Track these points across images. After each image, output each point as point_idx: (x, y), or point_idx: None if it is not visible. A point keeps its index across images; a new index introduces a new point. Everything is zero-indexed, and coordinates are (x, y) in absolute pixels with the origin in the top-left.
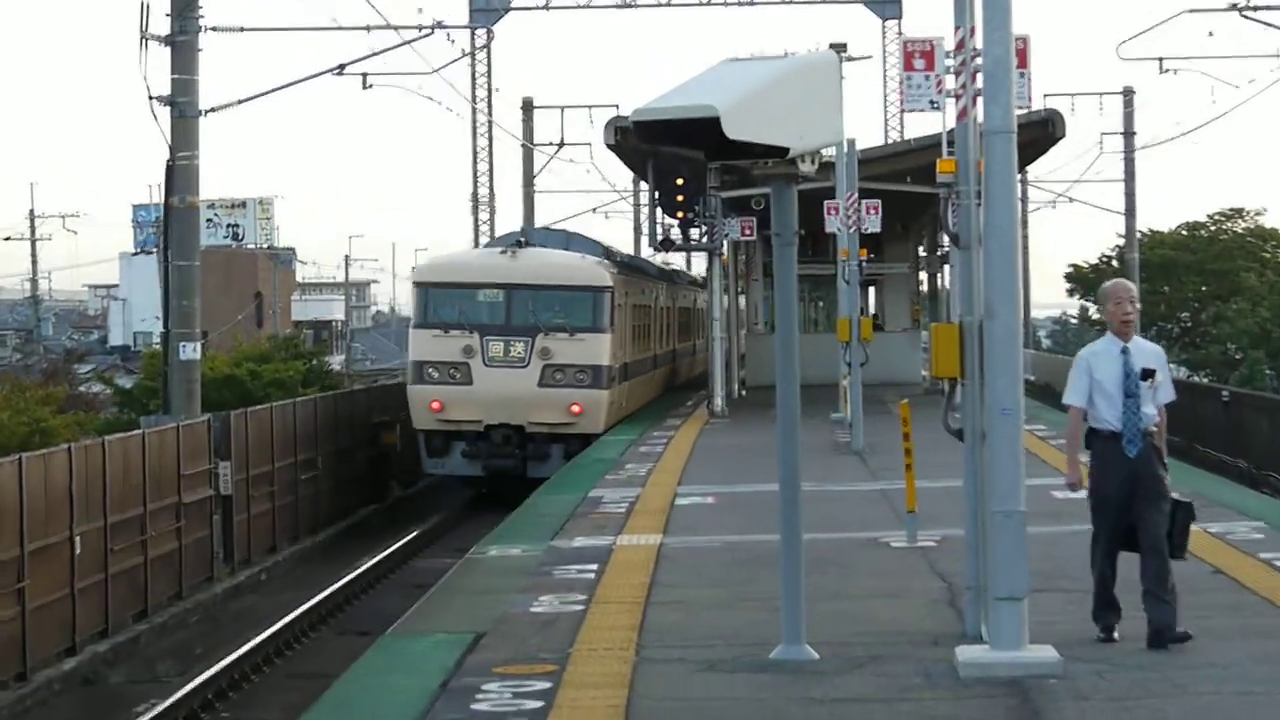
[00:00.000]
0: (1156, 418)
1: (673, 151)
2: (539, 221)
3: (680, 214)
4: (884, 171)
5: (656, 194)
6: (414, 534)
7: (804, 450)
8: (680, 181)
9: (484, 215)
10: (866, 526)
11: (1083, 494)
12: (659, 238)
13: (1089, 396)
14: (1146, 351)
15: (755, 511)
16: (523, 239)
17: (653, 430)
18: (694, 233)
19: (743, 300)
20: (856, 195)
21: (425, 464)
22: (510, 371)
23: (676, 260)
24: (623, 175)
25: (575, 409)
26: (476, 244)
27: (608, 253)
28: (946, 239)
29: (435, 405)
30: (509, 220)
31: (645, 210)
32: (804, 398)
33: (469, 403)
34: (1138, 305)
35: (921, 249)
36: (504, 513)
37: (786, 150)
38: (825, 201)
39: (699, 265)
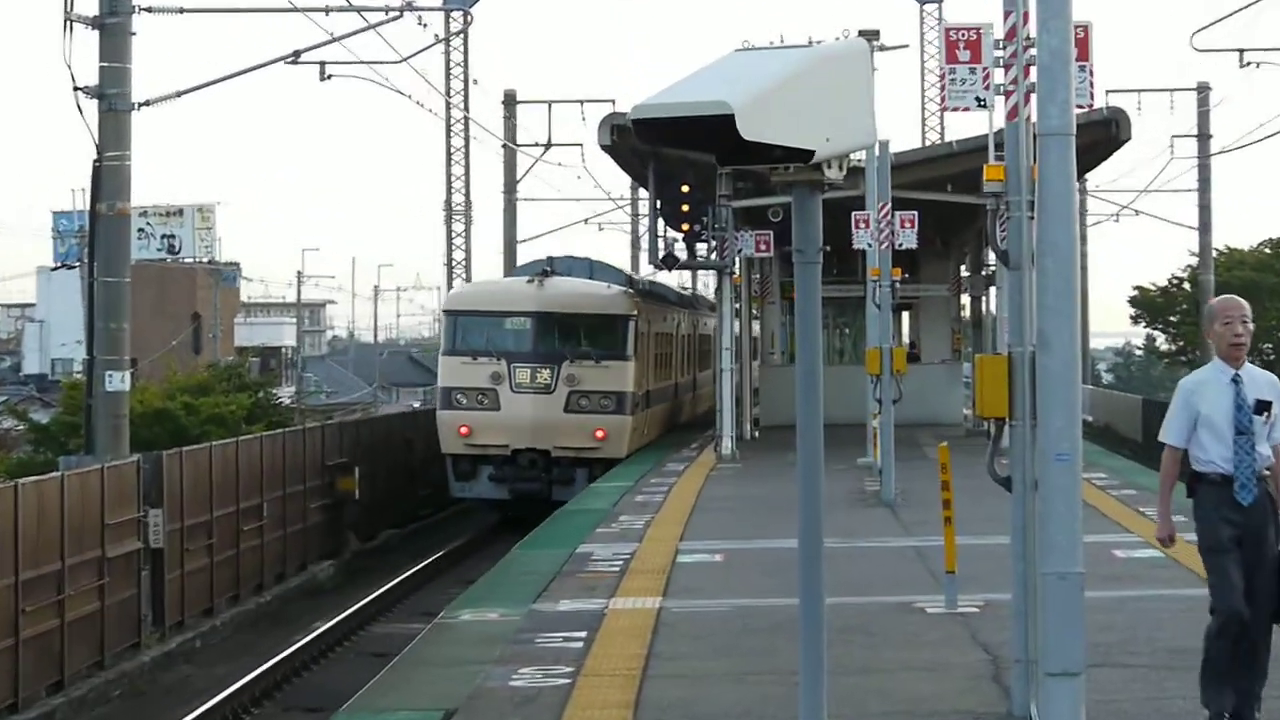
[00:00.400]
0: (1271, 459)
1: (678, 154)
2: (522, 233)
3: (686, 226)
4: (922, 178)
5: (658, 203)
6: (375, 594)
7: (827, 501)
8: (686, 189)
9: (459, 226)
10: (898, 589)
11: (1175, 543)
12: (660, 253)
13: (1192, 434)
14: (1260, 381)
15: (770, 571)
16: (549, 268)
17: (651, 476)
18: (701, 248)
19: (757, 326)
20: (889, 206)
21: (453, 487)
22: (537, 397)
23: (680, 280)
24: (619, 181)
25: (600, 434)
26: (450, 258)
27: (630, 280)
28: (993, 257)
29: (463, 430)
30: (487, 231)
31: (645, 221)
32: (828, 439)
33: (496, 428)
34: (1250, 326)
35: (964, 268)
36: (492, 560)
37: (811, 154)
38: (854, 213)
39: (705, 285)
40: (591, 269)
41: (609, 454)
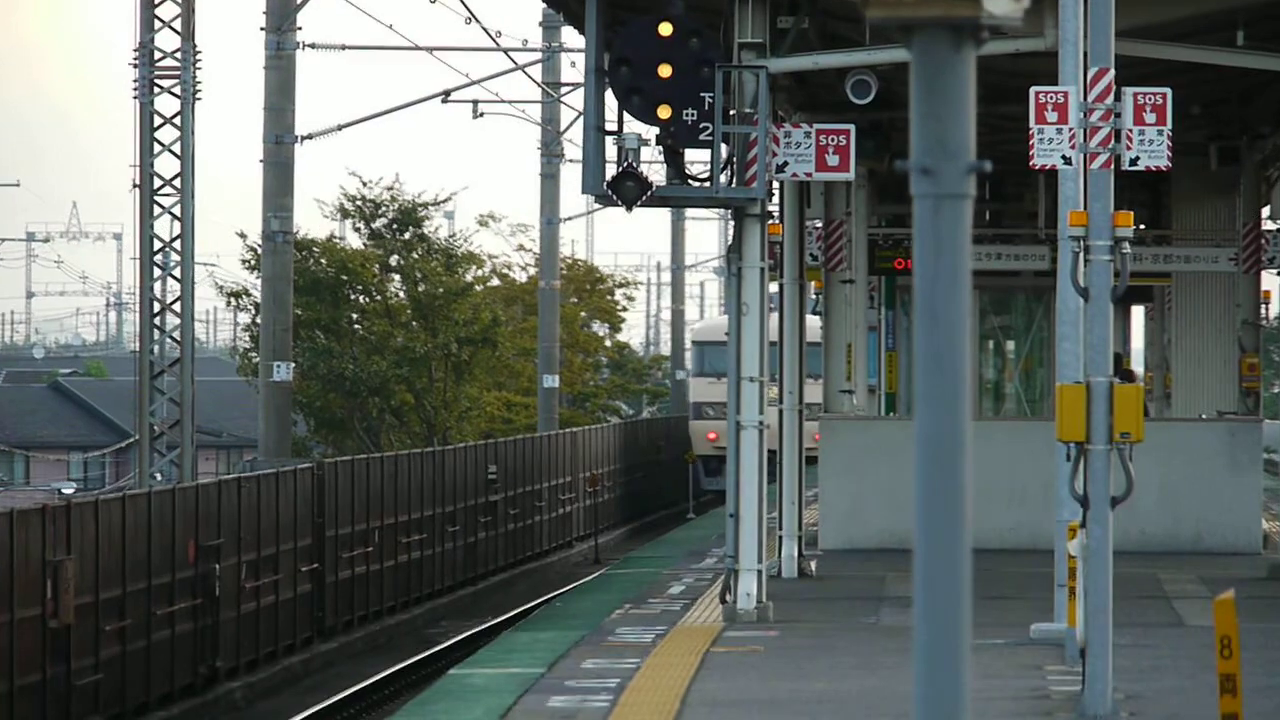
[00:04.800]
0: None
1: None
2: (310, 121)
3: (664, 112)
4: (1178, 16)
5: (607, 62)
6: None
7: (978, 713)
8: (667, 30)
9: (168, 105)
10: None
11: None
12: (609, 174)
13: None
14: None
15: None
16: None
17: (585, 655)
18: (695, 161)
19: (816, 324)
20: (1112, 75)
21: (703, 481)
22: (771, 409)
23: (656, 235)
24: (522, 18)
25: (818, 437)
26: (143, 167)
27: None
28: None
29: (711, 436)
30: (237, 104)
31: (577, 103)
32: (977, 578)
33: None
34: None
35: (1267, 212)
36: None
37: None
38: (1033, 93)
39: (701, 240)
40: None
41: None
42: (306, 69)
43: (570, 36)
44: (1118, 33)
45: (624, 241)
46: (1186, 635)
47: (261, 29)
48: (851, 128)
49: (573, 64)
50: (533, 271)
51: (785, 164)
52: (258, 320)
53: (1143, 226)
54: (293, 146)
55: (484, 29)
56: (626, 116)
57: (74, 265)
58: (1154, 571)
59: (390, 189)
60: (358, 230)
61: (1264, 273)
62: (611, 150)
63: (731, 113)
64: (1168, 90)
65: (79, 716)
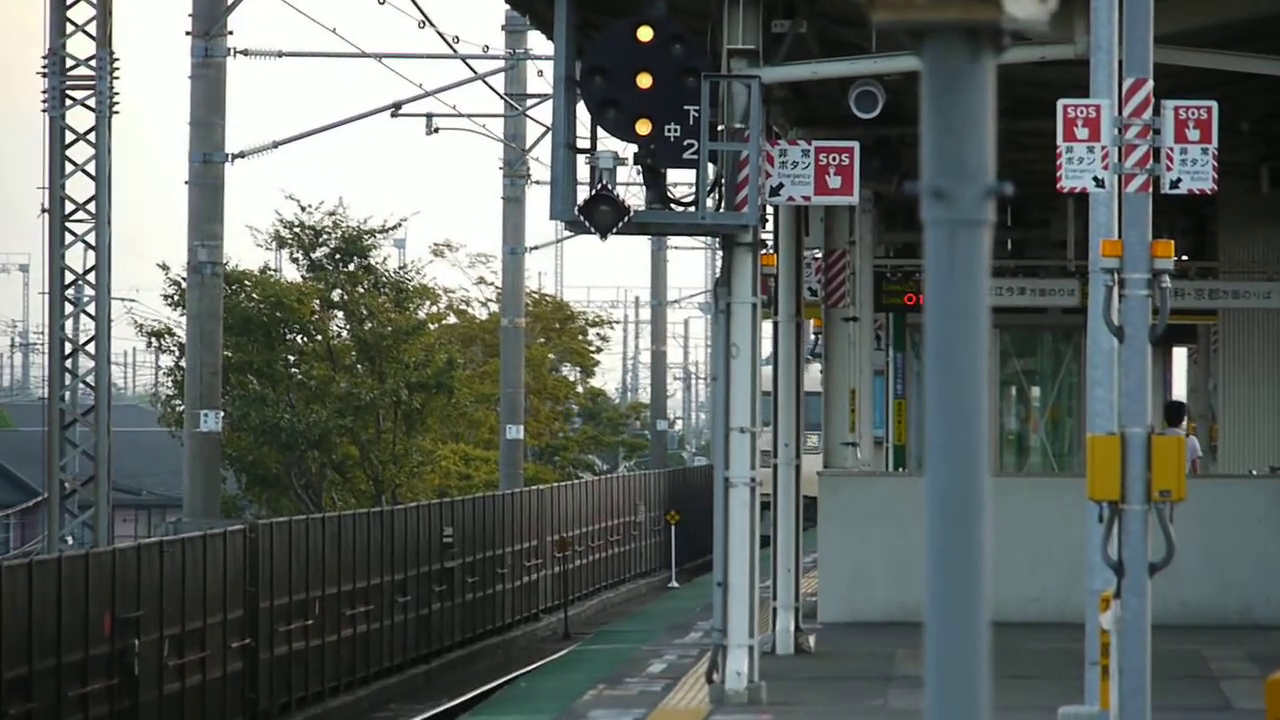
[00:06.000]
0: None
1: None
2: (241, 140)
3: (644, 128)
4: (1224, 19)
5: (579, 71)
6: None
7: None
8: (647, 34)
9: (83, 118)
10: None
11: None
12: (581, 196)
13: None
14: None
15: None
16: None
17: None
18: (679, 184)
19: (816, 371)
20: (1150, 86)
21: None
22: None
23: (634, 267)
24: (484, 22)
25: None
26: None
27: None
28: None
29: None
30: (164, 118)
31: (546, 116)
32: (997, 655)
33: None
34: None
35: None
36: None
37: None
38: (1061, 106)
39: (685, 273)
40: None
41: None
42: (238, 79)
43: (537, 42)
44: (1157, 38)
45: (598, 274)
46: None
47: (187, 34)
48: (855, 145)
49: (540, 73)
50: (494, 308)
51: (780, 186)
52: (182, 363)
53: (1185, 258)
54: (222, 166)
55: (439, 34)
56: (601, 132)
57: None
58: (1197, 647)
59: (332, 214)
60: (295, 261)
61: None
62: (584, 170)
63: (720, 128)
64: (1214, 104)
65: None
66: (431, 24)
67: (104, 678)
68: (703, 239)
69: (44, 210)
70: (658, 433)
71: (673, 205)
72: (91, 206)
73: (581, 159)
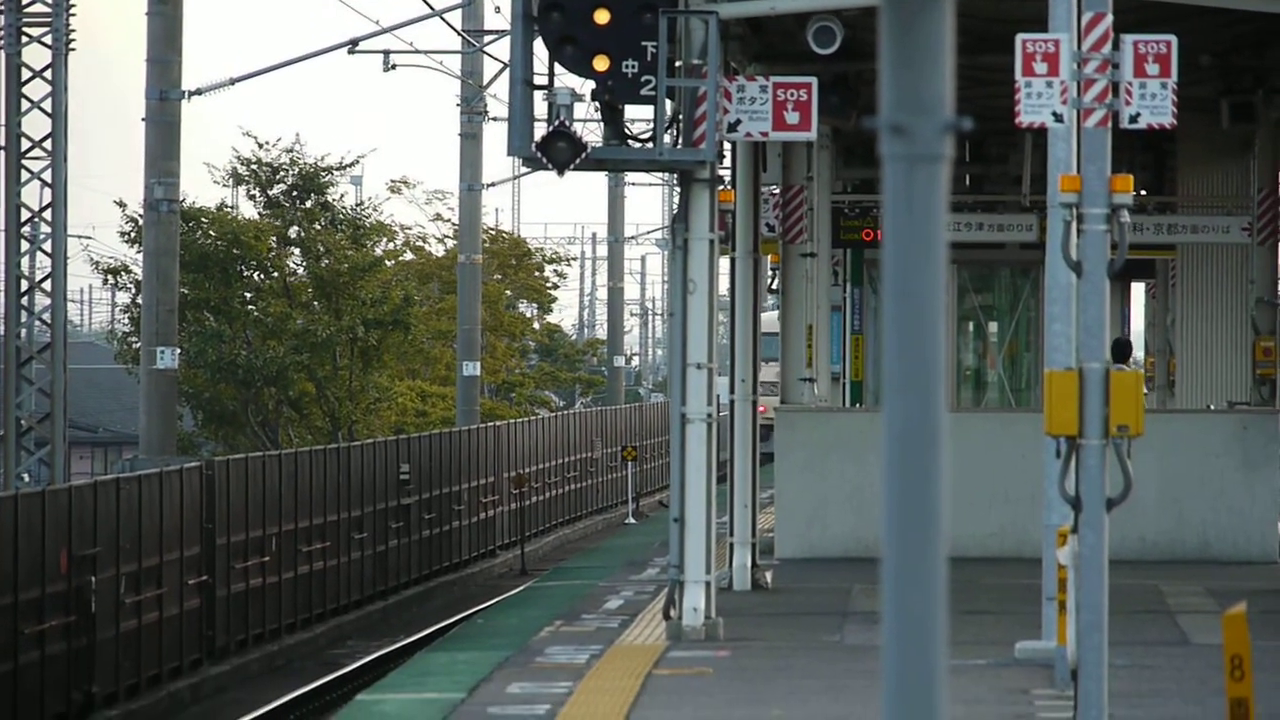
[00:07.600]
0: None
1: None
2: (197, 73)
3: (602, 63)
4: None
5: (537, 8)
6: None
7: None
8: None
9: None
10: None
11: None
12: (535, 135)
13: None
14: None
15: None
16: None
17: (510, 677)
18: (638, 118)
19: (774, 312)
20: (1109, 21)
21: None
22: None
23: (591, 204)
24: None
25: (764, 409)
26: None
27: None
28: None
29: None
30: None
31: (501, 50)
32: (955, 590)
33: None
34: None
35: None
36: None
37: None
38: (1020, 40)
39: (642, 209)
40: None
41: None
42: (195, 16)
43: None
44: None
45: (555, 211)
46: (1192, 655)
47: None
48: (814, 81)
49: (497, 9)
50: (451, 244)
51: (738, 122)
52: (138, 300)
53: (1144, 192)
54: (179, 103)
55: None
56: (558, 69)
57: None
58: (1155, 582)
59: (289, 151)
60: (252, 198)
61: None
62: (541, 107)
63: (677, 64)
64: (1173, 38)
65: None
66: None
67: (61, 615)
68: (660, 175)
69: (0, 148)
70: (614, 369)
71: (630, 141)
72: (48, 144)
73: (539, 95)
